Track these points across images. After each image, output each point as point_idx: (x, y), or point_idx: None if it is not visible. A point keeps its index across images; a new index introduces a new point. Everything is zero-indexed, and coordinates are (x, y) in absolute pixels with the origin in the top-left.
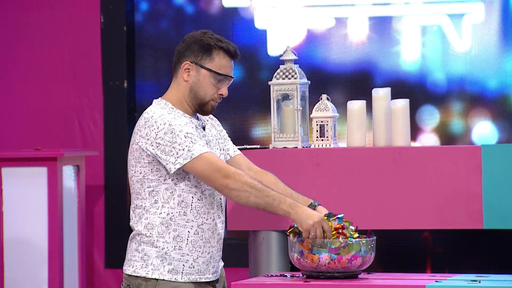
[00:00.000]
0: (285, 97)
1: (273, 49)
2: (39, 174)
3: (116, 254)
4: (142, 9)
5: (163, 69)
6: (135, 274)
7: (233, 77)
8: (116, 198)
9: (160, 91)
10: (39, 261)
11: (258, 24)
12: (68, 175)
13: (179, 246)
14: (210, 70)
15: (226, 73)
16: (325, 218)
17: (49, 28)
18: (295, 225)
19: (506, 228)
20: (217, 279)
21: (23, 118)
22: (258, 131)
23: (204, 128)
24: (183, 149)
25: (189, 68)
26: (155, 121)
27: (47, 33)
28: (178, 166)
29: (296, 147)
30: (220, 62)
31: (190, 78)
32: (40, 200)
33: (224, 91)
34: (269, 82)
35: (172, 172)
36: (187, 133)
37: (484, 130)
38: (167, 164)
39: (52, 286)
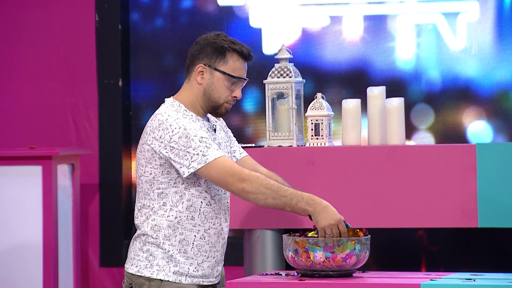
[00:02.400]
0: (280, 95)
1: (268, 47)
2: (34, 172)
3: (111, 252)
4: (137, 8)
5: (158, 68)
6: (139, 274)
7: (247, 79)
8: (111, 196)
9: (155, 90)
10: (34, 259)
11: (253, 23)
12: (63, 173)
13: (184, 250)
14: (224, 72)
15: (240, 75)
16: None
17: (44, 27)
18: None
19: (501, 227)
20: (219, 281)
21: (18, 116)
22: (253, 130)
23: (215, 130)
24: (198, 154)
25: (202, 71)
26: (170, 124)
27: (42, 32)
28: (192, 170)
29: (291, 146)
30: (234, 64)
31: (204, 80)
32: (35, 198)
33: (238, 93)
34: (264, 81)
35: (185, 176)
36: (202, 137)
37: (479, 129)
38: (180, 167)
39: (47, 284)
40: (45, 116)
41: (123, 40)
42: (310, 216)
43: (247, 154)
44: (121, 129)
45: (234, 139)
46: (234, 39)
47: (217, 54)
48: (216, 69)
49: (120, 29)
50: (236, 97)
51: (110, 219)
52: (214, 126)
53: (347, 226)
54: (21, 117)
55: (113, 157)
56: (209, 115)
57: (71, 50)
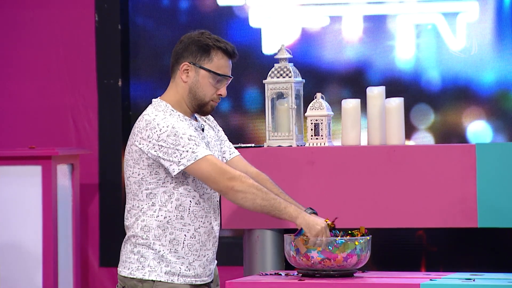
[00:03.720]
0: (280, 95)
1: (268, 47)
2: (34, 172)
3: (110, 252)
4: (136, 8)
5: (157, 68)
6: (131, 276)
7: (231, 77)
8: (110, 196)
9: (154, 90)
10: (34, 259)
11: (253, 23)
12: (63, 173)
13: (175, 249)
14: (209, 70)
15: (224, 73)
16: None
17: (43, 26)
18: (303, 231)
19: (501, 227)
20: (212, 280)
21: (18, 116)
22: (253, 130)
23: (203, 130)
24: (187, 151)
25: (187, 69)
26: (157, 124)
27: (41, 32)
28: (182, 167)
29: (291, 146)
30: (218, 62)
31: (189, 79)
32: (34, 198)
33: (223, 91)
34: (264, 81)
35: (175, 173)
36: (191, 135)
37: (478, 129)
38: (170, 165)
39: (46, 284)
40: (45, 116)
41: (122, 40)
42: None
43: (238, 154)
44: (121, 129)
45: (226, 138)
46: (218, 37)
47: (201, 52)
48: (201, 67)
49: (119, 29)
50: (221, 95)
51: (109, 219)
52: (202, 125)
53: (334, 231)
54: (21, 117)
55: (113, 157)
56: (197, 115)
57: (71, 50)
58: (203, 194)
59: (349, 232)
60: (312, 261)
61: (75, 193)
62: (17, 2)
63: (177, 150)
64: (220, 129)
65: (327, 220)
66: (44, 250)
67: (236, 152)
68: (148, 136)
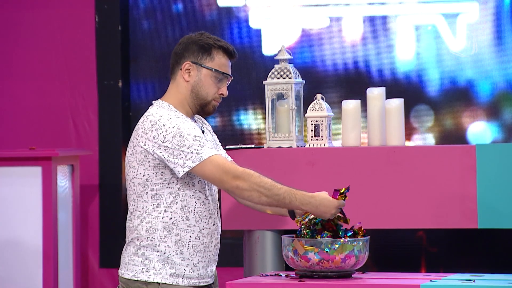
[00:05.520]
0: (280, 96)
1: (268, 48)
2: (34, 173)
3: (110, 253)
4: (136, 9)
5: (157, 69)
6: (135, 278)
7: (232, 77)
8: (110, 197)
9: (154, 91)
10: (34, 260)
11: (253, 24)
12: (63, 174)
13: (180, 251)
14: (211, 69)
15: (226, 71)
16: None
17: (43, 27)
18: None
19: (501, 228)
20: (213, 281)
21: (18, 117)
22: (253, 131)
23: (203, 132)
24: (192, 152)
25: (189, 69)
26: (163, 124)
27: (41, 32)
28: (186, 169)
29: (291, 147)
30: (220, 61)
31: (191, 78)
32: (34, 199)
33: (224, 90)
34: (264, 82)
35: (180, 175)
36: (196, 136)
37: (478, 130)
38: (175, 167)
39: (46, 285)
40: (45, 117)
41: (122, 41)
42: (291, 213)
43: (231, 159)
44: (121, 130)
45: (219, 144)
46: (218, 37)
47: (203, 52)
48: (203, 66)
49: (120, 30)
50: (222, 94)
51: (109, 220)
52: (202, 128)
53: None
54: (21, 118)
55: (113, 158)
56: (196, 118)
57: (71, 51)
58: (208, 195)
59: (352, 230)
60: (310, 263)
61: (75, 194)
62: (17, 2)
63: (182, 151)
64: (215, 134)
65: (340, 198)
66: (44, 251)
67: (229, 157)
68: (153, 137)
